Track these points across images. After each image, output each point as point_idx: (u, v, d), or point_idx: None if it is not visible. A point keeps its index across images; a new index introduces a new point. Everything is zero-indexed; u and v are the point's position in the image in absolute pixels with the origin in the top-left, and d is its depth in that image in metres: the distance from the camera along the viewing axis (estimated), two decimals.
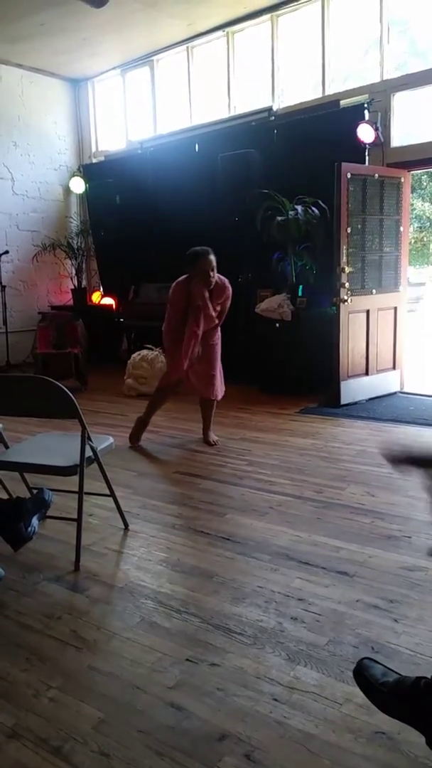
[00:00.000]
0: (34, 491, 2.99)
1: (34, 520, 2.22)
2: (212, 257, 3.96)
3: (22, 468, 2.70)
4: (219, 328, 4.29)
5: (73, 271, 8.36)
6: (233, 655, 1.94)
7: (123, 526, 2.93)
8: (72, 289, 8.39)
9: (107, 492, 2.86)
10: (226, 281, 4.13)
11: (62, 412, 2.56)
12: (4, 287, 7.58)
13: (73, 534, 2.65)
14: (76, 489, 2.60)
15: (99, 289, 8.49)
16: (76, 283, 8.37)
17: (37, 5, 6.00)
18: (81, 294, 8.30)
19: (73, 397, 2.50)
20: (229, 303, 4.21)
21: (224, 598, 2.28)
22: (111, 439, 2.86)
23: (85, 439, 2.56)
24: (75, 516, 2.61)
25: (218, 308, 4.14)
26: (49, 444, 2.88)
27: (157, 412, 4.43)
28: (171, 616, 2.17)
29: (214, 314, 4.11)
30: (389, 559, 2.54)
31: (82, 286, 8.43)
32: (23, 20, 6.40)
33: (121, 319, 7.73)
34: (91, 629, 2.11)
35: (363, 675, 1.55)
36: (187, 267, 4.01)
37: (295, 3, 6.16)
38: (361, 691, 1.56)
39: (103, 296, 8.32)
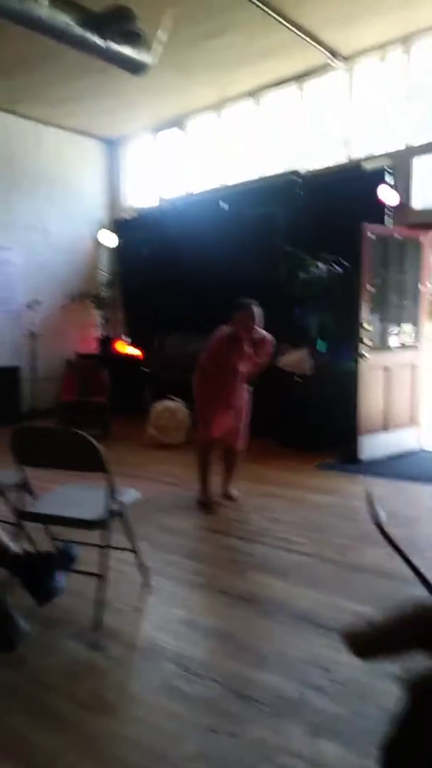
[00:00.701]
0: (56, 542, 3.03)
1: (61, 576, 2.24)
2: (257, 309, 4.08)
3: (50, 520, 2.73)
4: (247, 390, 4.31)
5: (101, 321, 8.55)
6: (254, 725, 1.91)
7: (143, 582, 2.92)
8: (99, 339, 8.57)
9: (127, 546, 2.87)
10: (270, 337, 4.23)
11: (90, 466, 2.60)
12: (34, 335, 7.77)
13: (91, 588, 2.65)
14: (97, 541, 2.63)
15: (124, 339, 8.66)
16: (103, 332, 8.56)
17: (78, 71, 6.35)
18: (107, 343, 8.47)
19: (103, 452, 2.55)
20: (267, 359, 4.31)
21: (245, 663, 2.25)
22: (137, 494, 2.88)
23: (110, 494, 2.60)
24: (95, 570, 2.61)
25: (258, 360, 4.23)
26: (74, 496, 2.92)
27: (210, 469, 4.28)
28: (192, 680, 2.15)
29: (254, 360, 4.19)
30: None
31: (109, 335, 8.61)
32: (64, 85, 6.78)
33: (146, 370, 7.85)
34: (112, 691, 2.10)
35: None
36: (233, 314, 4.14)
37: (321, 71, 6.44)
38: None
39: (128, 346, 8.47)
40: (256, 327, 4.11)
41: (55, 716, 1.96)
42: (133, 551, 2.88)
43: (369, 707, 1.99)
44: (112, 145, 8.82)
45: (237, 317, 4.10)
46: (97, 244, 8.78)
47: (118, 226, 8.64)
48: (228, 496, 4.28)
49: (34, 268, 8.09)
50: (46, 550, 2.36)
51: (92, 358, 8.22)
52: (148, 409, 6.71)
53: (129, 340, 8.55)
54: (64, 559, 2.29)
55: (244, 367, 4.15)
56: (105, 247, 8.81)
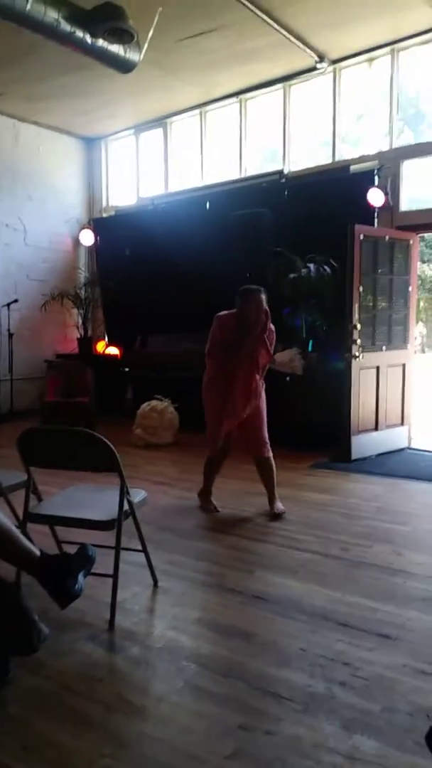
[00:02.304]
0: (63, 545, 2.97)
1: (81, 577, 2.18)
2: (263, 296, 3.80)
3: (59, 522, 2.67)
4: (263, 382, 4.00)
5: (80, 321, 8.44)
6: (286, 722, 1.89)
7: (152, 583, 2.88)
8: (78, 338, 8.45)
9: (134, 546, 2.82)
10: (272, 327, 3.93)
11: (103, 465, 2.55)
12: (11, 335, 7.63)
13: (102, 589, 2.61)
14: (104, 543, 2.58)
15: (104, 339, 8.56)
16: (82, 332, 8.45)
17: (59, 68, 6.25)
18: (87, 343, 8.37)
19: (116, 451, 2.51)
20: (270, 350, 3.96)
21: (268, 662, 2.23)
22: (144, 493, 2.85)
23: (123, 493, 2.56)
24: (105, 571, 2.56)
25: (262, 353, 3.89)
26: (81, 497, 2.86)
27: (215, 476, 4.11)
28: (216, 680, 2.12)
29: (259, 356, 3.86)
30: (429, 622, 2.52)
31: (88, 335, 8.50)
32: (46, 81, 6.67)
33: (126, 369, 7.78)
34: (136, 692, 2.06)
35: None
36: (237, 301, 3.85)
37: (308, 74, 6.49)
38: None
39: (107, 346, 8.38)
40: (260, 319, 3.80)
41: (82, 719, 1.91)
42: (143, 551, 2.84)
43: (399, 702, 1.99)
44: (91, 143, 8.72)
45: (243, 302, 3.79)
46: (77, 243, 8.67)
47: (98, 224, 8.55)
48: (274, 515, 3.87)
49: (11, 266, 7.95)
50: (65, 552, 2.30)
51: (72, 358, 8.11)
52: (130, 409, 6.65)
53: (108, 339, 8.46)
54: (83, 560, 2.23)
55: (256, 354, 3.82)
56: (84, 246, 8.70)
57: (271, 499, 3.97)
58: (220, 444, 3.96)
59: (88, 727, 1.88)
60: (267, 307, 3.85)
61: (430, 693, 2.04)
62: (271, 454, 3.99)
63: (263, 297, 3.82)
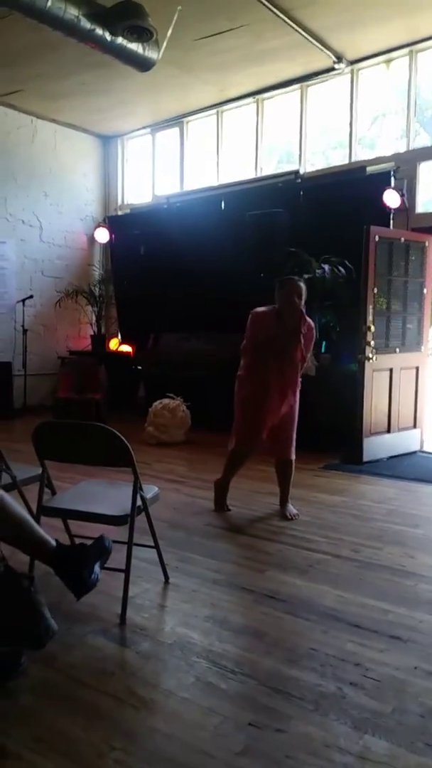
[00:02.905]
0: (75, 540, 2.98)
1: (97, 568, 2.19)
2: (302, 284, 3.65)
3: (73, 515, 2.68)
4: (299, 383, 3.88)
5: (93, 318, 8.48)
6: (297, 721, 1.89)
7: (163, 579, 2.89)
8: (91, 336, 8.49)
9: (146, 542, 2.83)
10: (312, 324, 3.77)
11: (117, 460, 2.57)
12: (26, 330, 7.67)
13: (113, 584, 2.62)
14: (117, 538, 2.58)
15: (117, 336, 8.59)
16: (95, 329, 8.48)
17: (77, 66, 6.29)
18: (100, 340, 8.40)
19: (130, 447, 2.52)
20: (310, 349, 3.78)
21: (278, 660, 2.23)
22: (157, 489, 2.85)
23: (137, 488, 2.57)
24: (117, 566, 2.57)
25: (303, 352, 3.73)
26: (95, 492, 2.87)
27: (237, 471, 3.97)
28: (226, 676, 2.12)
29: (295, 352, 3.68)
30: None
31: (102, 332, 8.53)
32: (64, 79, 6.71)
33: (139, 367, 7.80)
34: (147, 687, 2.06)
35: None
36: (276, 292, 3.67)
37: (326, 74, 6.48)
38: None
39: (121, 343, 8.41)
40: (301, 308, 3.62)
41: (93, 712, 1.92)
42: (155, 548, 2.84)
43: (410, 703, 1.98)
44: (108, 141, 8.76)
45: (281, 293, 3.61)
46: (92, 241, 8.71)
47: (113, 222, 8.58)
48: (285, 516, 3.82)
49: (27, 263, 8.00)
50: (81, 542, 2.31)
51: (85, 355, 8.14)
52: (142, 407, 6.67)
53: (121, 337, 8.49)
54: (100, 551, 2.24)
55: (292, 350, 3.63)
56: (99, 243, 8.74)
57: (284, 501, 3.94)
58: (252, 444, 3.82)
59: (99, 720, 1.88)
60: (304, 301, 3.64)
61: None
62: (294, 457, 3.92)
63: (302, 285, 3.65)
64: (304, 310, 3.66)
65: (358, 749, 1.77)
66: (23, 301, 7.72)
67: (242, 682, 2.09)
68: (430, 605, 2.69)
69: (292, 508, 3.91)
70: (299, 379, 3.86)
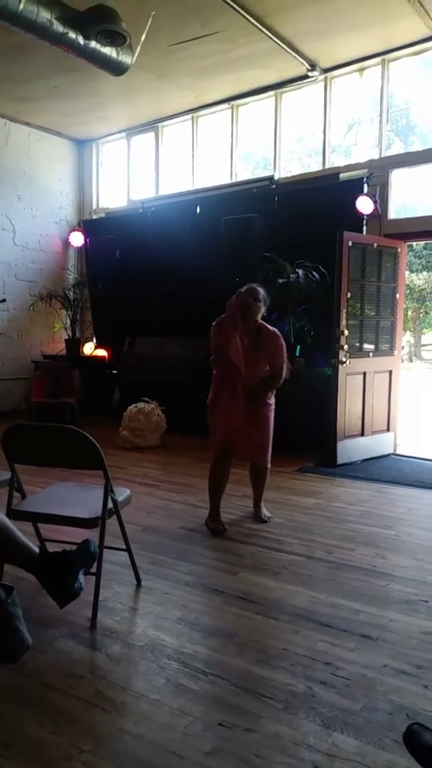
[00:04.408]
0: (46, 543, 2.95)
1: (80, 575, 2.16)
2: (260, 289, 3.60)
3: (43, 519, 2.65)
4: (274, 391, 3.82)
5: (68, 322, 8.42)
6: (267, 720, 1.89)
7: (135, 582, 2.87)
8: (66, 340, 8.42)
9: (118, 545, 2.81)
10: (277, 332, 3.72)
11: (87, 462, 2.55)
12: None
13: (84, 587, 2.58)
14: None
15: (91, 340, 8.54)
16: (70, 333, 8.42)
17: (53, 69, 6.25)
18: (75, 344, 8.34)
19: (100, 449, 2.50)
20: (282, 359, 3.69)
21: (249, 660, 2.23)
22: (129, 492, 2.84)
23: (108, 491, 2.55)
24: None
25: (267, 362, 3.70)
26: (65, 495, 2.85)
27: (222, 487, 3.77)
28: (197, 677, 2.12)
29: (261, 364, 3.67)
30: (411, 623, 2.53)
31: (76, 336, 8.47)
32: (37, 82, 6.66)
33: (114, 371, 7.76)
34: (116, 690, 2.04)
35: (415, 741, 1.53)
36: (233, 298, 3.64)
37: (300, 82, 6.55)
38: (413, 757, 1.54)
39: (96, 347, 8.36)
40: (255, 312, 3.57)
41: (62, 716, 1.90)
42: (127, 551, 2.83)
43: (379, 701, 1.99)
44: (83, 145, 8.72)
45: (238, 297, 3.57)
46: (66, 244, 8.66)
47: (87, 226, 8.54)
48: (260, 518, 3.83)
49: (0, 266, 7.91)
50: (65, 550, 2.28)
51: (60, 359, 8.08)
52: (117, 411, 6.63)
53: (96, 341, 8.44)
54: (84, 557, 2.20)
55: (243, 366, 3.60)
56: (73, 247, 8.69)
57: (257, 504, 3.94)
58: (220, 446, 3.69)
59: (67, 723, 1.86)
60: (255, 308, 3.59)
61: (410, 693, 2.04)
62: (270, 466, 3.90)
63: (261, 290, 3.61)
64: (263, 315, 3.65)
65: (327, 747, 1.78)
66: None
67: (213, 682, 2.09)
68: (400, 604, 2.71)
69: (265, 511, 3.92)
70: (272, 394, 3.83)
